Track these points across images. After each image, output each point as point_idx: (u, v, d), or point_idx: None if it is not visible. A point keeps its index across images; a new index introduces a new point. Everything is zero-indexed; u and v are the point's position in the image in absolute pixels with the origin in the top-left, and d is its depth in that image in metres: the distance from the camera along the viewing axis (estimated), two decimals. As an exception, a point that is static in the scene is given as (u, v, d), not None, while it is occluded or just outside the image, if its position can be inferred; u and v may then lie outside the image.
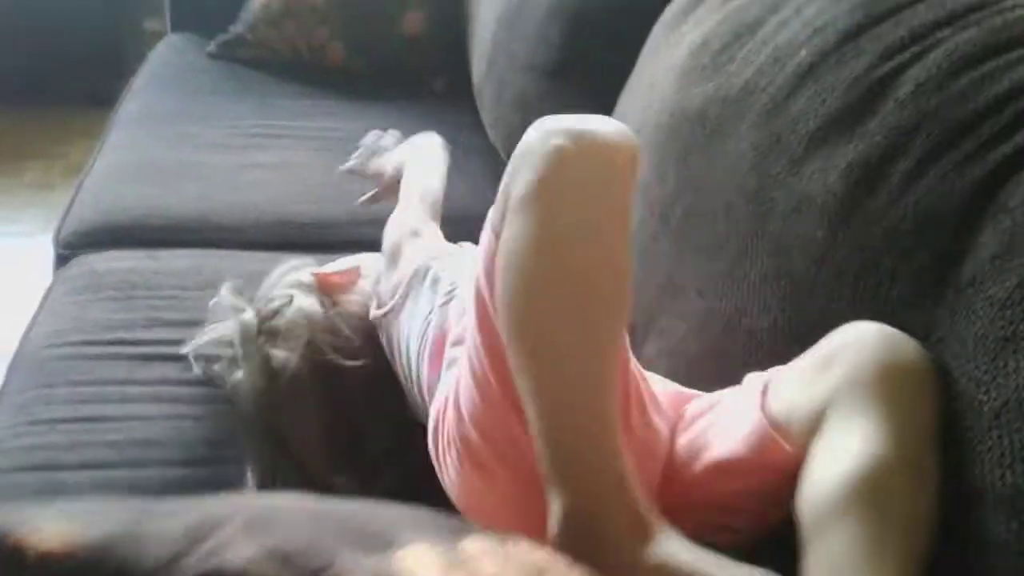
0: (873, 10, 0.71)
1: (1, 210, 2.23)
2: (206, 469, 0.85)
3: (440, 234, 0.95)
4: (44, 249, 1.93)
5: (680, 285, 0.81)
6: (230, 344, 0.88)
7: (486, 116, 1.49)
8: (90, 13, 2.57)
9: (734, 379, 0.67)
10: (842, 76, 0.69)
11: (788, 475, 0.55)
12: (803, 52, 0.74)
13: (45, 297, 1.11)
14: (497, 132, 1.44)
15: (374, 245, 0.97)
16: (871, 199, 0.63)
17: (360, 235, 1.11)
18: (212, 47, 1.76)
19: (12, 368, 0.99)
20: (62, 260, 1.18)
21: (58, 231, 1.23)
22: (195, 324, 1.00)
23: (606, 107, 1.13)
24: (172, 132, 1.44)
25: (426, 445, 0.70)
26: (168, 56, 1.77)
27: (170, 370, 0.97)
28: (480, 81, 1.52)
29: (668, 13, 1.05)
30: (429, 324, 0.78)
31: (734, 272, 0.75)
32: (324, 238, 1.22)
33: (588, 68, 1.24)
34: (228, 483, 0.80)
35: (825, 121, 0.69)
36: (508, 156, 0.63)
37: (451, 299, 0.78)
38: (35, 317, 1.07)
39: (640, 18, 1.13)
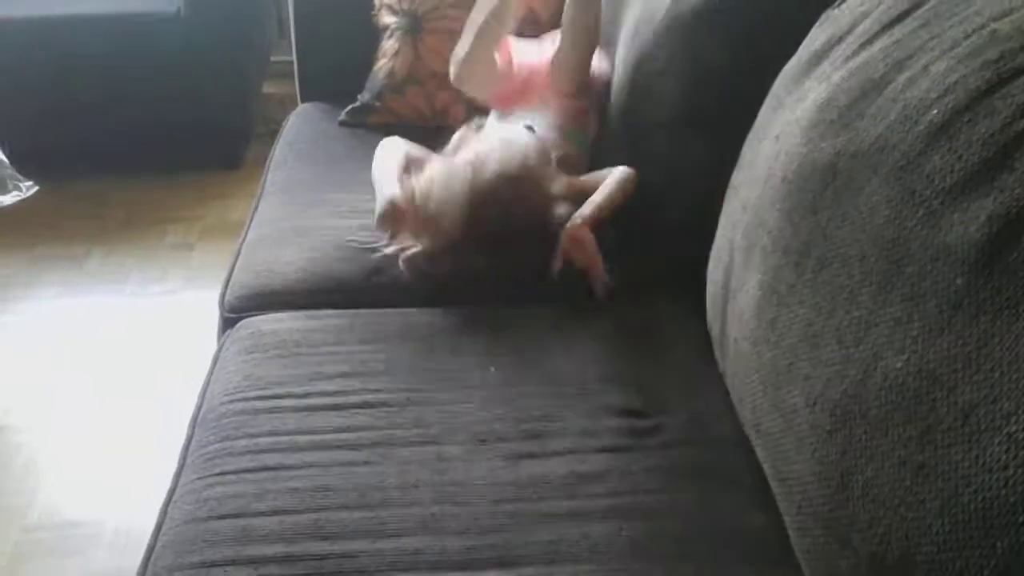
0: (1002, 69, 0.75)
1: (148, 270, 2.41)
2: (385, 511, 0.92)
3: None
4: (187, 304, 2.09)
5: (819, 333, 0.85)
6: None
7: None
8: (218, 83, 2.76)
9: (878, 428, 0.71)
10: (976, 134, 0.73)
11: None
12: (934, 111, 0.78)
13: (217, 356, 1.21)
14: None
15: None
16: (1013, 249, 0.67)
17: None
18: (343, 115, 1.89)
19: (196, 424, 1.09)
20: (229, 323, 1.29)
21: (223, 296, 1.35)
22: (352, 375, 1.11)
23: (728, 159, 1.18)
24: (314, 199, 1.55)
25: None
26: (301, 126, 1.90)
27: (333, 419, 1.07)
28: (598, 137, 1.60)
29: (789, 68, 1.09)
30: None
31: (870, 318, 0.78)
32: (467, 288, 1.31)
33: (707, 123, 1.30)
34: (405, 524, 0.88)
35: (962, 177, 0.73)
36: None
37: None
38: (210, 375, 1.18)
39: (757, 73, 1.18)
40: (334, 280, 1.34)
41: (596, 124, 1.63)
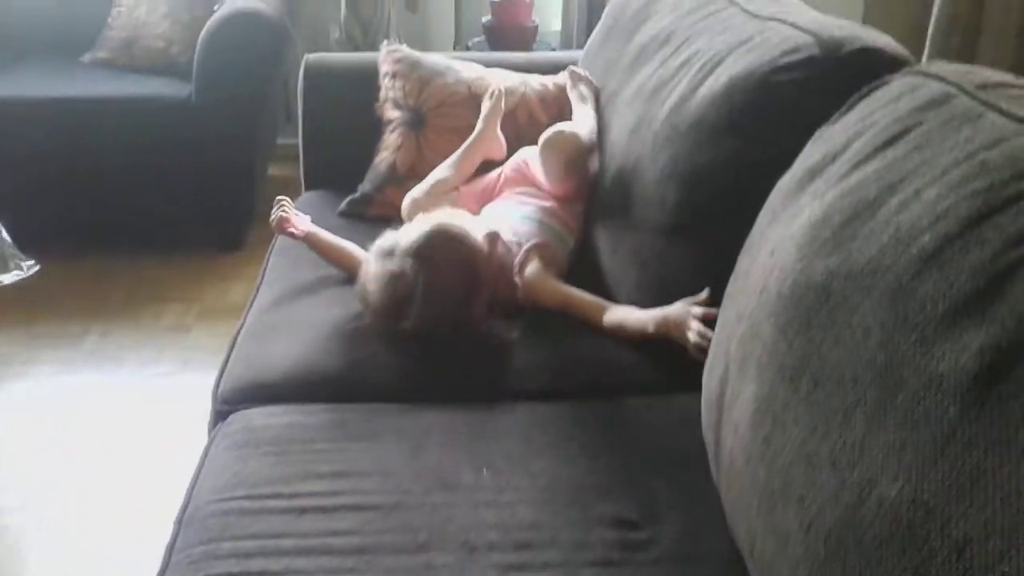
0: (992, 199, 0.76)
1: (143, 351, 2.40)
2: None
3: None
4: (181, 388, 2.09)
5: (813, 453, 0.85)
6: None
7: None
8: (223, 167, 2.80)
9: (872, 557, 0.70)
10: (968, 262, 0.74)
11: None
12: (926, 236, 0.79)
13: (207, 451, 1.20)
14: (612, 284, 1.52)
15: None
16: (1005, 382, 0.67)
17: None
18: (343, 206, 1.91)
19: (182, 523, 1.08)
20: (221, 415, 1.29)
21: (216, 388, 1.34)
22: (342, 475, 1.10)
23: (722, 268, 1.19)
24: (311, 289, 1.56)
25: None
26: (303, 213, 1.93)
27: (321, 522, 1.05)
28: (594, 235, 1.62)
29: (784, 183, 1.11)
30: None
31: (864, 443, 0.78)
32: (464, 384, 1.32)
33: (703, 229, 1.32)
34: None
35: (954, 304, 0.73)
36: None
37: None
38: (198, 471, 1.17)
39: (754, 181, 1.20)
40: (327, 374, 1.33)
41: (580, 231, 1.67)
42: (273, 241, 1.84)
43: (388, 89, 2.02)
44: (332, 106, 2.09)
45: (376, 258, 1.38)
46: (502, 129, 1.87)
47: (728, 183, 1.30)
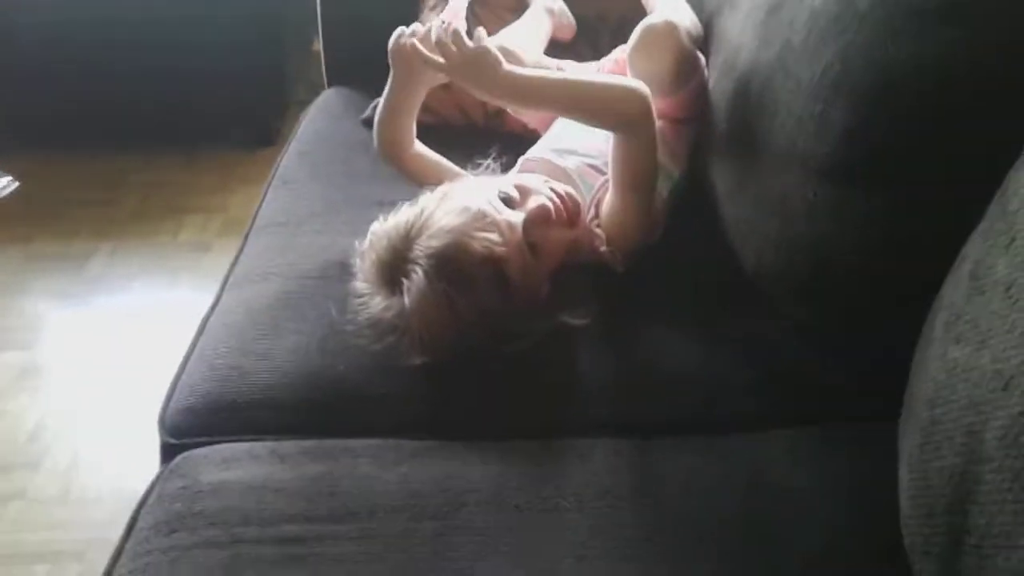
0: None
1: (158, 274, 2.04)
2: None
3: None
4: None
5: None
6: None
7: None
8: (251, 50, 2.35)
9: None
10: None
11: None
12: None
13: (132, 524, 0.81)
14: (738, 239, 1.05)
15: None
16: None
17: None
18: (368, 111, 1.45)
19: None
20: (167, 453, 0.90)
21: (164, 408, 0.94)
22: None
23: (925, 243, 0.72)
24: (316, 248, 1.13)
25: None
26: (320, 123, 1.50)
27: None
28: (709, 167, 1.13)
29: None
30: None
31: None
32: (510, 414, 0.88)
33: (892, 172, 0.83)
34: None
35: None
36: None
37: None
38: (114, 558, 0.78)
39: (990, 97, 0.71)
40: (320, 393, 0.92)
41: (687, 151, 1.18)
42: (277, 162, 1.41)
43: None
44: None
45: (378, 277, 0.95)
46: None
47: (939, 98, 0.80)
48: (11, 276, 2.03)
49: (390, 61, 1.13)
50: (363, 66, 1.53)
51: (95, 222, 2.19)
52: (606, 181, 1.08)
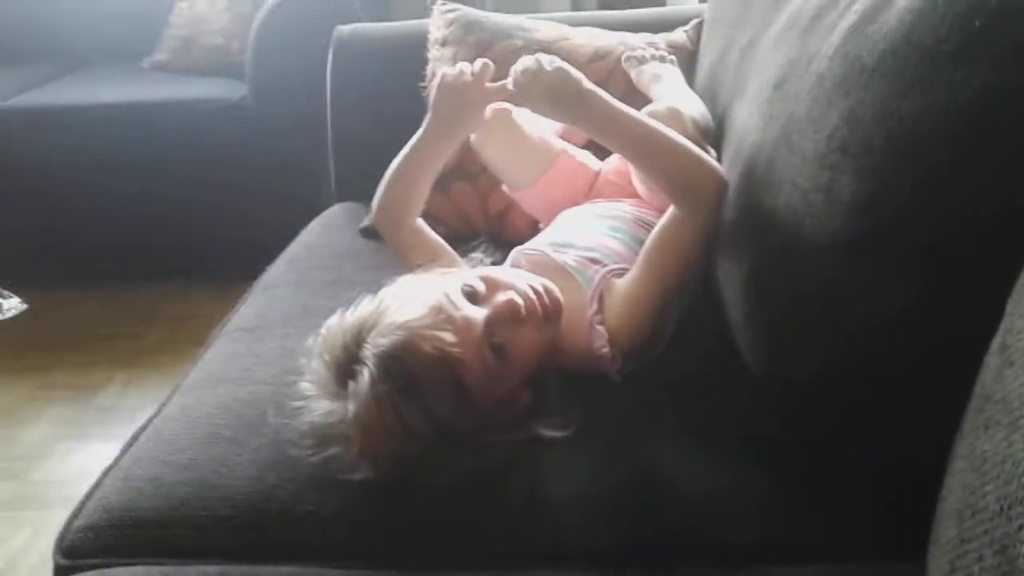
0: None
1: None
2: None
3: None
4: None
5: None
6: None
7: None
8: (292, 183, 2.34)
9: None
10: None
11: None
12: None
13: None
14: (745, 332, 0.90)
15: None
16: None
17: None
18: (365, 221, 1.37)
19: None
20: (58, 574, 0.76)
21: (64, 530, 0.81)
22: None
23: (959, 330, 0.57)
24: (282, 352, 1.02)
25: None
26: (318, 234, 1.43)
27: None
28: (714, 260, 1.00)
29: None
30: None
31: None
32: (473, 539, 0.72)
33: (910, 242, 0.68)
34: None
35: None
36: None
37: None
38: None
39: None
40: (236, 512, 0.78)
41: None
42: (266, 273, 1.32)
43: (437, 61, 1.47)
44: (369, 91, 1.56)
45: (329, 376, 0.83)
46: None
47: (960, 155, 0.66)
48: (24, 403, 1.97)
49: (434, 101, 1.04)
50: (372, 182, 1.48)
51: (118, 353, 2.14)
52: (609, 271, 0.96)
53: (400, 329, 0.79)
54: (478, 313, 0.83)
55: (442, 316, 0.81)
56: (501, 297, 0.86)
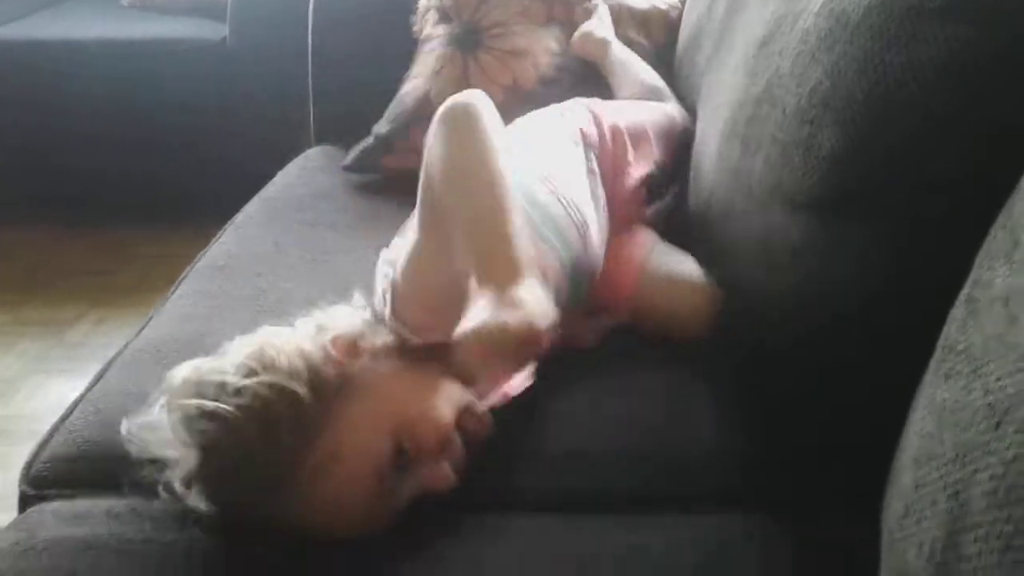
0: None
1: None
2: None
3: None
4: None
5: None
6: None
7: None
8: (270, 122, 2.31)
9: None
10: None
11: None
12: None
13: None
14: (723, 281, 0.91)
15: None
16: None
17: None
18: (348, 159, 1.36)
19: None
20: (23, 505, 0.76)
21: (30, 460, 0.81)
22: None
23: (928, 287, 0.57)
24: (249, 294, 1.02)
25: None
26: (295, 174, 1.41)
27: None
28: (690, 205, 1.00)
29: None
30: None
31: None
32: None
33: (889, 203, 0.68)
34: None
35: None
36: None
37: None
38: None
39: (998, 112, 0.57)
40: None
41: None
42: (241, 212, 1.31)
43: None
44: (352, 32, 1.53)
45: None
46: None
47: (942, 111, 0.66)
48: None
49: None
50: (351, 124, 1.47)
51: (91, 291, 2.12)
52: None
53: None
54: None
55: None
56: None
